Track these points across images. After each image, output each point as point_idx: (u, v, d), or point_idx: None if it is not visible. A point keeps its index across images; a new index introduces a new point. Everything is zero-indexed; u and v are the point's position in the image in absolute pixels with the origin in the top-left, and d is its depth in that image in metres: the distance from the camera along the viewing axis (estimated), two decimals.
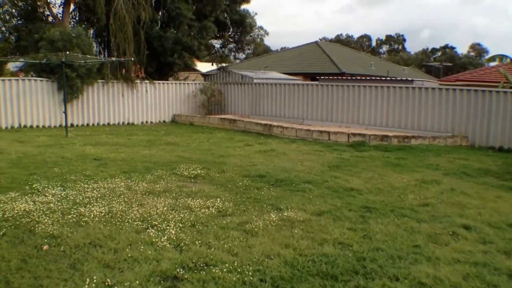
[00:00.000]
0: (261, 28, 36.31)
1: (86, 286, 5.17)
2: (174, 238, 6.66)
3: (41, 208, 8.11)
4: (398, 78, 26.48)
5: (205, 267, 5.70)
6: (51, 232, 6.85)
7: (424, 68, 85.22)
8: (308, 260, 5.98)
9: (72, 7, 27.49)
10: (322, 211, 8.18)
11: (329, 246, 6.45)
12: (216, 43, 34.29)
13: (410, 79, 22.90)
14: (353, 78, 28.86)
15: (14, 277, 5.40)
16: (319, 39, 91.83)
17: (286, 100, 24.08)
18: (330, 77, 25.92)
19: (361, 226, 7.36)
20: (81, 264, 5.76)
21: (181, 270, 5.60)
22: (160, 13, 28.48)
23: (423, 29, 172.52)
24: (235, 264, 5.79)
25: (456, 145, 17.47)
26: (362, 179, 11.00)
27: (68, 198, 8.85)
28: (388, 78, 25.95)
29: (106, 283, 5.24)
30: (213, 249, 6.27)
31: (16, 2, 27.02)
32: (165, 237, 6.67)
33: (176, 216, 7.73)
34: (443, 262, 6.04)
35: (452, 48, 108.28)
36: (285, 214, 7.95)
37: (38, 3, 26.95)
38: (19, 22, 27.70)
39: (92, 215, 7.71)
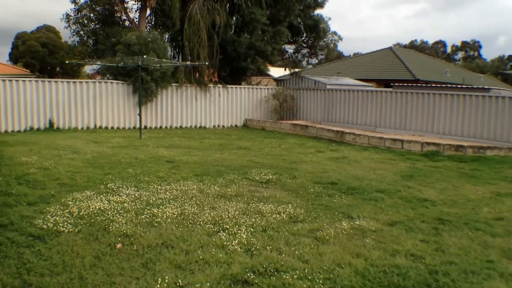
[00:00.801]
0: (334, 33, 36.11)
1: (158, 286, 5.31)
2: (245, 242, 6.74)
3: (116, 207, 8.40)
4: (473, 86, 25.79)
5: (275, 273, 5.74)
6: (124, 231, 7.09)
7: (500, 76, 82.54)
8: (379, 271, 5.93)
9: (148, 12, 28.15)
10: (395, 221, 8.09)
11: (401, 258, 6.38)
12: (289, 48, 34.27)
13: (486, 87, 22.24)
14: (427, 85, 28.25)
15: (88, 273, 5.61)
16: (393, 44, 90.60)
17: (359, 106, 23.87)
18: (404, 84, 25.46)
19: (434, 238, 7.23)
20: (153, 264, 5.92)
21: (252, 274, 5.66)
22: (234, 18, 28.73)
23: (499, 36, 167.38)
24: (306, 271, 5.80)
25: None
26: (436, 190, 10.79)
27: (141, 199, 9.11)
28: (463, 86, 25.28)
29: (177, 284, 5.37)
30: (283, 255, 6.31)
31: (94, 7, 27.85)
32: (236, 241, 6.76)
33: (248, 220, 7.81)
34: None
35: None
36: (357, 222, 7.91)
37: (116, 8, 27.73)
38: (96, 26, 28.52)
39: (164, 216, 7.92)
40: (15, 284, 5.28)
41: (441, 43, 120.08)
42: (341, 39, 36.29)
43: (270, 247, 6.60)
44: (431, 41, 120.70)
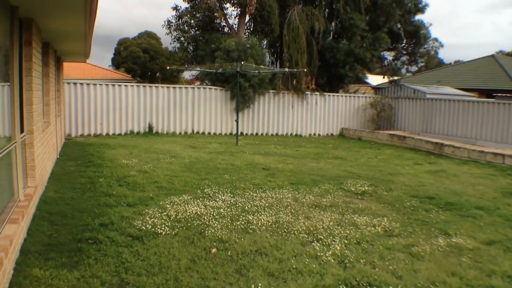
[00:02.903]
0: (435, 39, 35.14)
1: None
2: (339, 254, 6.72)
3: (212, 213, 8.58)
4: None
5: (368, 287, 5.69)
6: (219, 236, 7.23)
7: None
8: None
9: (247, 18, 28.50)
10: (493, 241, 7.80)
11: (497, 279, 6.16)
12: (388, 55, 33.79)
13: None
14: None
15: (183, 275, 5.76)
16: (495, 52, 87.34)
17: (459, 118, 23.17)
18: (508, 95, 24.52)
19: None
20: (247, 270, 6.01)
21: (344, 287, 5.64)
22: (332, 23, 28.60)
23: None
24: (399, 287, 5.71)
25: None
26: None
27: (237, 205, 9.25)
28: None
29: None
30: (377, 269, 6.24)
31: (194, 13, 28.54)
32: (330, 252, 6.74)
33: (342, 232, 7.77)
34: None
35: None
36: (453, 240, 7.69)
37: (216, 14, 28.24)
38: (196, 32, 29.23)
39: (259, 224, 8.01)
40: (113, 282, 5.51)
41: None
42: (442, 46, 35.20)
43: (364, 260, 6.55)
44: None
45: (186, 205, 8.97)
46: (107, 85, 21.84)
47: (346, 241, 7.29)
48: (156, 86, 23.18)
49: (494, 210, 9.95)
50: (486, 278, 6.18)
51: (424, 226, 8.49)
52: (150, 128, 22.45)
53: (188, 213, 8.42)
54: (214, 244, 6.91)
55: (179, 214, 8.33)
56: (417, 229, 8.22)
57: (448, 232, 8.12)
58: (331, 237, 7.44)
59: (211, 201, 9.50)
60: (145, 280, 5.56)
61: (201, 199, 9.64)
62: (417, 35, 31.18)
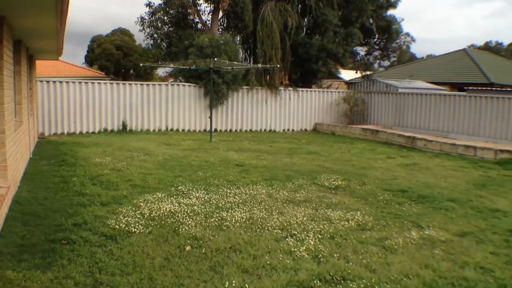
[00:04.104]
0: (407, 34, 35.35)
1: None
2: (313, 249, 6.76)
3: (185, 210, 8.58)
4: None
5: (341, 281, 5.73)
6: (193, 234, 7.23)
7: None
8: (447, 283, 5.84)
9: (220, 14, 28.43)
10: (465, 232, 7.91)
11: (470, 270, 6.25)
12: (361, 50, 33.92)
13: None
14: (503, 89, 27.46)
15: (157, 274, 5.76)
16: (467, 46, 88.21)
17: (431, 111, 23.38)
18: (478, 88, 24.78)
19: (505, 251, 7.03)
20: (221, 268, 6.02)
21: (318, 282, 5.67)
22: (305, 19, 28.60)
23: None
24: (373, 280, 5.77)
25: None
26: (509, 200, 10.46)
27: (211, 202, 9.25)
28: None
29: None
30: (351, 263, 6.30)
31: (168, 10, 28.40)
32: (304, 247, 6.78)
33: (316, 226, 7.83)
34: None
35: None
36: (426, 232, 7.79)
37: (189, 10, 28.13)
38: (170, 29, 29.08)
39: (233, 220, 8.02)
40: (87, 283, 5.48)
41: None
42: (414, 40, 35.48)
43: (338, 254, 6.60)
44: (506, 42, 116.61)
45: (160, 203, 8.94)
46: (80, 83, 21.65)
47: (320, 236, 7.34)
48: (129, 84, 23.04)
49: (466, 202, 10.08)
50: (459, 269, 6.27)
51: (397, 219, 8.58)
52: (124, 126, 22.31)
53: (162, 211, 8.40)
54: (188, 241, 6.91)
55: (153, 212, 8.30)
56: (390, 223, 8.31)
57: (421, 225, 8.22)
58: (305, 232, 7.48)
59: (185, 198, 9.48)
60: (119, 279, 5.54)
61: (175, 196, 9.62)
62: (389, 30, 31.35)
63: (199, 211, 8.56)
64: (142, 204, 8.83)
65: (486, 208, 9.68)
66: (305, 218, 8.29)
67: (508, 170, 14.64)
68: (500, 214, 9.24)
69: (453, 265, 6.43)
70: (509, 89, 26.08)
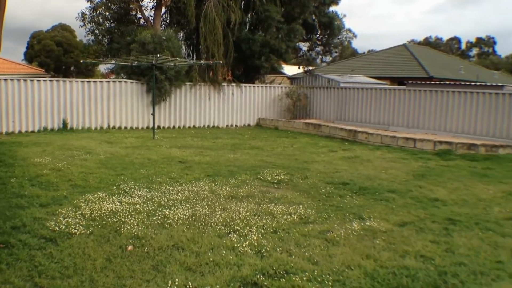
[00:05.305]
0: (349, 30, 35.99)
1: None
2: (256, 244, 6.78)
3: (127, 209, 8.46)
4: (487, 84, 25.60)
5: (285, 275, 5.77)
6: (136, 233, 7.14)
7: None
8: (388, 272, 5.95)
9: (163, 10, 28.14)
10: (405, 222, 8.09)
11: (410, 259, 6.39)
12: (303, 46, 34.18)
13: (500, 84, 22.07)
14: (441, 83, 28.11)
15: (99, 276, 5.67)
16: (407, 41, 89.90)
17: (372, 105, 23.76)
18: (418, 82, 25.28)
19: (444, 239, 7.23)
20: (164, 266, 5.97)
21: (261, 276, 5.70)
22: (248, 15, 28.62)
23: None
24: (315, 273, 5.83)
25: None
26: (447, 190, 10.76)
27: (153, 200, 9.16)
28: (477, 83, 25.15)
29: (187, 286, 5.42)
30: (293, 257, 6.34)
31: (109, 5, 27.98)
32: (247, 243, 6.80)
33: (258, 221, 7.85)
34: None
35: None
36: (367, 223, 7.92)
37: (131, 6, 27.75)
38: (112, 24, 28.64)
39: (176, 218, 7.96)
40: (27, 287, 5.35)
41: (456, 40, 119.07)
42: (355, 36, 36.35)
43: (281, 248, 6.64)
44: (446, 37, 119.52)
45: (101, 203, 8.79)
46: (18, 80, 21.05)
47: (262, 231, 7.37)
48: (70, 81, 22.53)
49: (406, 193, 10.30)
50: (400, 258, 6.40)
51: (339, 211, 8.68)
52: (65, 124, 21.84)
53: (103, 211, 8.26)
54: (130, 241, 6.82)
55: (94, 212, 8.16)
56: (332, 215, 8.40)
57: (362, 216, 8.36)
58: (248, 228, 7.49)
59: (127, 197, 9.36)
60: (59, 283, 5.44)
61: (116, 195, 9.48)
62: (331, 26, 31.70)
63: (141, 209, 8.47)
64: (83, 204, 8.66)
65: (425, 197, 9.92)
66: (248, 214, 8.30)
67: (446, 160, 15.02)
68: (439, 203, 9.49)
69: (394, 254, 6.55)
70: (448, 83, 26.69)
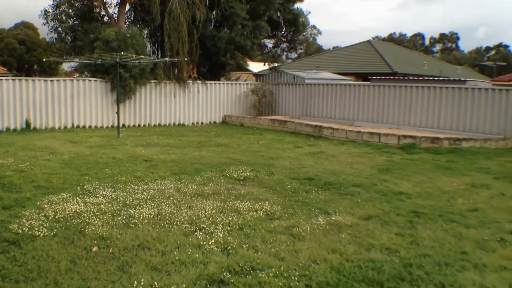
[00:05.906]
0: (314, 27, 35.99)
1: None
2: (222, 241, 6.77)
3: (92, 210, 8.35)
4: (450, 78, 26.01)
5: (251, 271, 5.78)
6: (100, 234, 7.05)
7: (478, 68, 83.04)
8: (354, 265, 6.00)
9: (127, 7, 27.88)
10: (370, 216, 8.17)
11: (376, 252, 6.46)
12: (269, 43, 34.17)
13: (463, 79, 22.46)
14: (405, 78, 28.47)
15: (63, 278, 5.59)
16: (372, 37, 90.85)
17: (337, 101, 23.94)
18: (382, 77, 25.58)
19: (409, 232, 7.33)
20: (129, 267, 5.92)
21: (228, 274, 5.69)
22: (214, 12, 28.53)
23: (479, 27, 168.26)
24: (282, 268, 5.85)
25: (508, 147, 17.12)
26: (412, 183, 10.91)
27: (118, 200, 9.07)
28: (440, 78, 25.50)
29: (153, 286, 5.38)
30: (260, 253, 6.35)
31: (72, 2, 27.64)
32: (213, 240, 6.78)
33: (224, 219, 7.83)
34: (490, 270, 5.98)
35: (506, 46, 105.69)
36: (333, 218, 7.97)
37: (95, 3, 27.43)
38: (75, 22, 28.28)
39: (141, 217, 7.90)
40: None
41: (420, 36, 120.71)
42: (320, 33, 36.40)
43: (247, 245, 6.64)
44: (410, 33, 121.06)
45: (65, 204, 8.66)
46: None
47: (228, 228, 7.36)
48: (32, 80, 22.16)
49: (371, 187, 10.41)
50: (365, 252, 6.47)
51: (304, 207, 8.72)
52: (28, 124, 21.48)
53: (67, 212, 8.14)
54: (95, 242, 6.74)
55: (58, 214, 8.03)
56: (298, 210, 8.44)
57: (328, 211, 8.40)
58: (214, 225, 7.47)
59: (92, 197, 9.24)
60: (23, 286, 5.35)
61: (81, 196, 9.35)
62: (296, 23, 31.73)
63: (106, 209, 8.37)
64: (46, 206, 8.52)
65: (390, 191, 10.04)
66: (214, 211, 8.28)
67: (410, 154, 15.22)
68: (403, 197, 9.63)
69: (359, 248, 6.61)
70: (411, 78, 27.03)
